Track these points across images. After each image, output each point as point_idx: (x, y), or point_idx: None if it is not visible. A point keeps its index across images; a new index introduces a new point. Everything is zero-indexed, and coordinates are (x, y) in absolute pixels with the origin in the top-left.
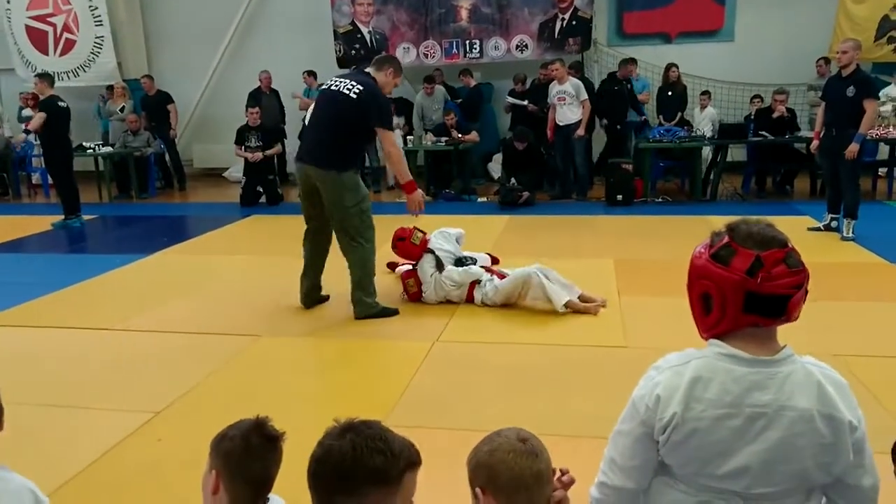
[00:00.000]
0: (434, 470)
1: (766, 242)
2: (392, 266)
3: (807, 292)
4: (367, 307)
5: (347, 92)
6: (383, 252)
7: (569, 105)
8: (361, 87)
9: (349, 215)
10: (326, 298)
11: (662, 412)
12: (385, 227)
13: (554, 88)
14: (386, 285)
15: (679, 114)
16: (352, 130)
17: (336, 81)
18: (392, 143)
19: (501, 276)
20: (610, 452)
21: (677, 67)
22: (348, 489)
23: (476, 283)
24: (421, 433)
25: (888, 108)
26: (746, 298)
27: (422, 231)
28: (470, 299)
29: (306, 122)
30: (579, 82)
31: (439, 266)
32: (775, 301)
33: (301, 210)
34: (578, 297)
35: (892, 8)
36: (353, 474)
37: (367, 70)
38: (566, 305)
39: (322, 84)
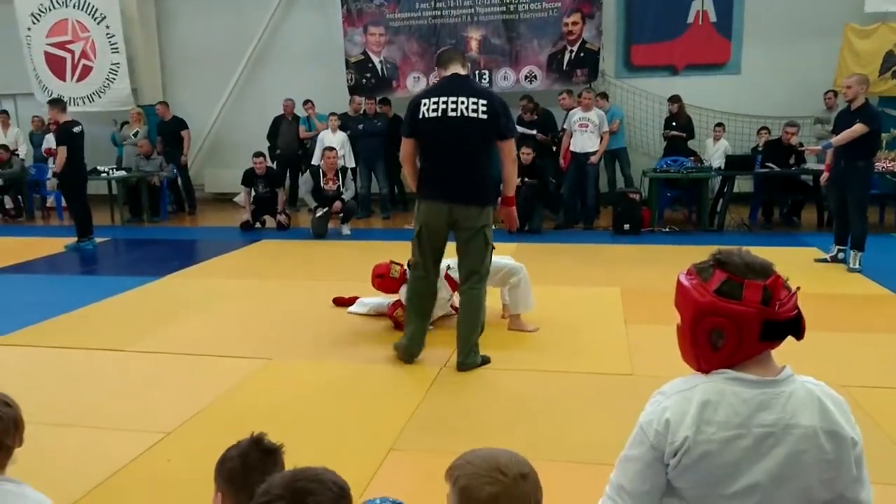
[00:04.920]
0: (440, 494)
1: (764, 271)
2: (337, 301)
3: None
4: (475, 360)
5: (475, 115)
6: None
7: (589, 133)
8: (486, 103)
9: (488, 254)
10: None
11: (673, 436)
12: (394, 255)
13: (576, 115)
14: (352, 322)
15: (685, 144)
16: (486, 154)
17: (445, 101)
18: (514, 153)
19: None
20: (618, 479)
21: (679, 100)
22: None
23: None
24: (427, 457)
25: None
26: (763, 328)
27: (398, 263)
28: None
29: (425, 152)
30: (603, 113)
31: None
32: (790, 325)
33: (423, 261)
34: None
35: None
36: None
37: (465, 73)
38: (511, 319)
39: (423, 104)
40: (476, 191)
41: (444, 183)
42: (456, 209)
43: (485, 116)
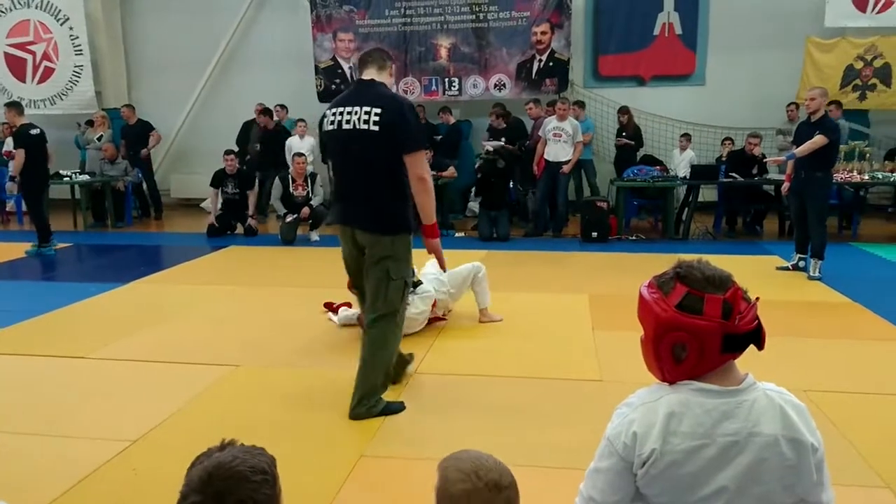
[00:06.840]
0: (410, 500)
1: (723, 284)
2: (328, 306)
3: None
4: (371, 409)
5: (366, 127)
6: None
7: (563, 143)
8: (380, 112)
9: (391, 290)
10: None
11: (641, 448)
12: None
13: (551, 123)
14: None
15: (635, 154)
16: (392, 173)
17: (342, 113)
18: (426, 170)
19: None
20: (588, 491)
21: (628, 111)
22: None
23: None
24: (398, 464)
25: None
26: (724, 341)
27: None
28: (435, 317)
29: (329, 172)
30: (578, 123)
31: None
32: (750, 336)
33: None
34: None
35: (856, 57)
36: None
37: (370, 78)
38: (481, 312)
39: (325, 116)
40: (377, 215)
41: (345, 204)
42: (359, 234)
43: (376, 129)
